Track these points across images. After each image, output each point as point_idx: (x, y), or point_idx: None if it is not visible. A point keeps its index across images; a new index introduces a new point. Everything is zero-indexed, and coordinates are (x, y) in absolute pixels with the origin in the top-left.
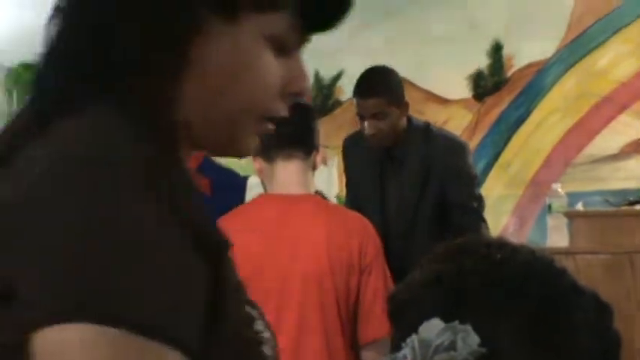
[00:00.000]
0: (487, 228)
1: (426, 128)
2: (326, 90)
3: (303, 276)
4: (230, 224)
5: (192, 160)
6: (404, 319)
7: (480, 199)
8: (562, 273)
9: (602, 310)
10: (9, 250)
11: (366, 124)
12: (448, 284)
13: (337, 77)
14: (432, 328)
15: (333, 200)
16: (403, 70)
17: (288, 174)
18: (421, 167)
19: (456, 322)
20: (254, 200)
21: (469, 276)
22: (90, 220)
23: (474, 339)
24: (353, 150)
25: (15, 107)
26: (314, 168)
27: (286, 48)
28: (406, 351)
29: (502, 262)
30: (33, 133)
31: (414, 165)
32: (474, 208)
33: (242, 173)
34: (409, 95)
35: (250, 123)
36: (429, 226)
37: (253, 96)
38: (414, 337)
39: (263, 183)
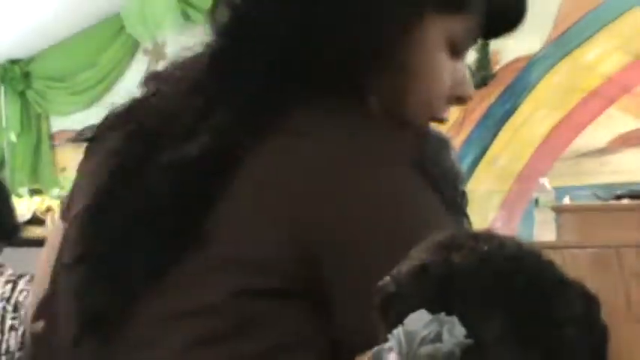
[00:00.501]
0: (469, 224)
1: None
2: None
3: None
4: None
5: None
6: (391, 312)
7: (462, 195)
8: (549, 266)
9: (589, 303)
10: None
11: None
12: (435, 276)
13: None
14: (418, 320)
15: None
16: None
17: None
18: None
19: (442, 314)
20: None
21: (456, 268)
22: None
23: (460, 330)
24: None
25: (1, 103)
26: None
27: (459, 51)
28: (392, 343)
29: (489, 255)
30: (255, 128)
31: None
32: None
33: None
34: None
35: (421, 125)
36: None
37: (429, 98)
38: (399, 328)
39: None
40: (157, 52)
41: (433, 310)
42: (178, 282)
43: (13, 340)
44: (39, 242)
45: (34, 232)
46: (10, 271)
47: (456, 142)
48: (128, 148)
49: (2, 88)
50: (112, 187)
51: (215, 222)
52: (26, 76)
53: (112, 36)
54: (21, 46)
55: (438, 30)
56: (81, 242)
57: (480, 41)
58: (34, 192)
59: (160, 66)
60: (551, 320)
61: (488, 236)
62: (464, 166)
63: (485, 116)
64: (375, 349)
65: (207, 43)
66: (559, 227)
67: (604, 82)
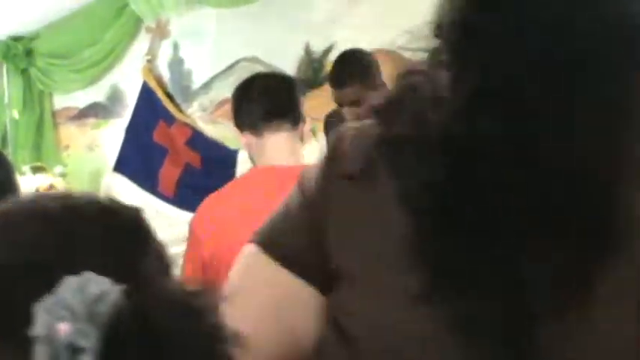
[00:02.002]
0: None
1: None
2: (316, 63)
3: None
4: (224, 197)
5: (181, 134)
6: None
7: None
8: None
9: None
10: None
11: (345, 109)
12: None
13: (328, 50)
14: (66, 288)
15: None
16: (394, 44)
17: (277, 146)
18: None
19: (85, 273)
20: (247, 174)
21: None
22: None
23: (107, 280)
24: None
25: (4, 80)
26: (301, 139)
27: None
28: (52, 317)
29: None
30: None
31: None
32: None
33: (232, 147)
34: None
35: None
36: None
37: None
38: (51, 302)
39: (251, 157)
40: (160, 31)
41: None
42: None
43: None
44: None
45: None
46: None
47: None
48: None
49: (5, 66)
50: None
51: None
52: (29, 53)
53: (115, 13)
54: (23, 24)
55: None
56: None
57: None
58: (36, 169)
59: (164, 44)
60: None
61: None
62: None
63: None
64: (37, 330)
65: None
66: None
67: None
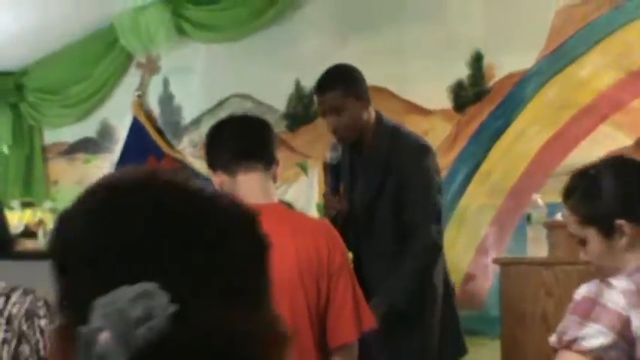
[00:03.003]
0: (439, 231)
1: (395, 128)
2: (307, 99)
3: (273, 283)
4: None
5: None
6: (75, 277)
7: (434, 202)
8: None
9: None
10: None
11: (327, 120)
12: (111, 236)
13: None
14: (123, 296)
15: (314, 210)
16: (384, 81)
17: (250, 185)
18: (383, 165)
19: (143, 284)
20: None
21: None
22: None
23: (163, 298)
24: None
25: None
26: (274, 180)
27: None
28: (101, 322)
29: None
30: None
31: (378, 163)
32: (425, 209)
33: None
34: (391, 106)
35: None
36: (387, 223)
37: None
38: (107, 305)
39: None
40: (151, 66)
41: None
42: None
43: (5, 353)
44: (31, 255)
45: (26, 244)
46: (2, 284)
47: (449, 157)
48: None
49: None
50: None
51: None
52: (19, 88)
53: (106, 49)
54: (14, 59)
55: None
56: None
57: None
58: (26, 205)
59: (154, 80)
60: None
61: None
62: (457, 182)
63: (479, 131)
64: (84, 329)
65: None
66: (551, 244)
67: (597, 98)
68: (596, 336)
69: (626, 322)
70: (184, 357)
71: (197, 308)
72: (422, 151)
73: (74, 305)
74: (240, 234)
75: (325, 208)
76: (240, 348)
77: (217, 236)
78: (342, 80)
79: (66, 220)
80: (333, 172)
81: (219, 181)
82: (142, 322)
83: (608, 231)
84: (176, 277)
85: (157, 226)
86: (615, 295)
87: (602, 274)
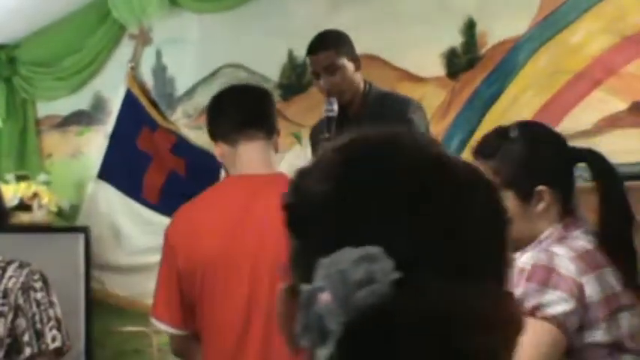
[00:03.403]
0: None
1: (386, 94)
2: (299, 69)
3: (272, 262)
4: (198, 206)
5: (165, 141)
6: (306, 237)
7: None
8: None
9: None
10: None
11: (321, 81)
12: (344, 196)
13: None
14: (347, 258)
15: None
16: (377, 49)
17: (251, 155)
18: (373, 125)
19: (367, 248)
20: (221, 183)
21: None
22: None
23: (388, 264)
24: (318, 137)
25: None
26: (276, 150)
27: None
28: (323, 282)
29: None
30: None
31: (367, 125)
32: None
33: None
34: (384, 74)
35: None
36: None
37: None
38: (329, 266)
39: (225, 167)
40: (143, 38)
41: (349, 238)
42: None
43: (1, 326)
44: (26, 228)
45: (21, 218)
46: None
47: (443, 124)
48: None
49: None
50: None
51: None
52: (12, 61)
53: (98, 21)
54: (6, 32)
55: None
56: None
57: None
58: (20, 178)
59: (146, 51)
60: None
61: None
62: (451, 149)
63: (472, 98)
64: (306, 288)
65: None
66: None
67: (590, 63)
68: (558, 302)
69: (580, 288)
70: (403, 326)
71: (423, 277)
72: (408, 104)
73: (303, 265)
74: (481, 203)
75: (314, 148)
76: (464, 328)
77: (455, 203)
78: (334, 41)
79: (304, 177)
80: (330, 124)
81: (220, 151)
82: (363, 285)
83: (526, 196)
84: (405, 242)
85: (392, 191)
86: (565, 261)
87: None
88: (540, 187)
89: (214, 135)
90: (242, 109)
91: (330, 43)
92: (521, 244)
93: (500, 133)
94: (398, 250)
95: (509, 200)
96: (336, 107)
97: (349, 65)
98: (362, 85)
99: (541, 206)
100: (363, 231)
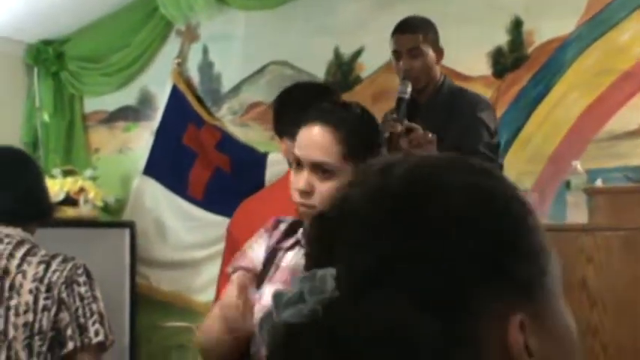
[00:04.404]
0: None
1: (459, 87)
2: (346, 66)
3: None
4: (260, 200)
5: (210, 137)
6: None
7: (493, 149)
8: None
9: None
10: None
11: (401, 62)
12: (326, 220)
13: (357, 54)
14: (296, 279)
15: None
16: None
17: None
18: (442, 117)
19: (319, 270)
20: (283, 176)
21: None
22: None
23: (330, 284)
24: (387, 117)
25: (35, 83)
26: None
27: None
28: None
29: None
30: None
31: (437, 114)
32: (484, 154)
33: (261, 150)
34: None
35: None
36: None
37: None
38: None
39: (289, 163)
40: (190, 34)
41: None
42: None
43: (45, 320)
44: (72, 222)
45: (67, 212)
46: (43, 252)
47: None
48: None
49: (36, 70)
50: None
51: None
52: (59, 57)
53: (145, 17)
54: (54, 27)
55: None
56: None
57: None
58: (67, 173)
59: (193, 48)
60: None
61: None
62: None
63: (518, 97)
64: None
65: None
66: (591, 209)
67: (637, 63)
68: None
69: None
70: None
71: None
72: (478, 102)
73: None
74: (470, 225)
75: (385, 129)
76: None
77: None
78: (423, 26)
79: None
80: (400, 105)
81: (284, 147)
82: (290, 305)
83: None
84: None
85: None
86: None
87: None
88: None
89: (279, 131)
90: (307, 106)
91: (419, 27)
92: None
93: (345, 105)
94: (349, 272)
95: (344, 176)
96: (409, 90)
97: (432, 54)
98: (438, 76)
99: None
100: (335, 253)
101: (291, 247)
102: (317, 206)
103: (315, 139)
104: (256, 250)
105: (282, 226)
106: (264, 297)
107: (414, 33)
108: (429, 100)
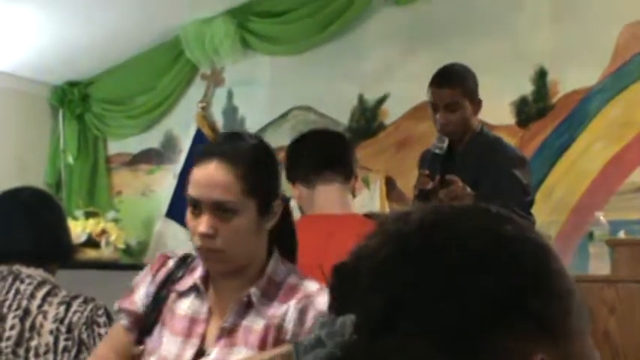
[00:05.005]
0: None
1: (495, 138)
2: (369, 113)
3: None
4: None
5: None
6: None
7: (526, 207)
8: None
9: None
10: None
11: (438, 115)
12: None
13: (382, 100)
14: (315, 325)
15: None
16: None
17: (328, 197)
18: (477, 169)
19: (338, 317)
20: (300, 220)
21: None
22: None
23: (349, 329)
24: (425, 160)
25: (60, 125)
26: (353, 194)
27: None
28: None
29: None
30: None
31: (472, 165)
32: (516, 212)
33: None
34: None
35: None
36: None
37: None
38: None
39: (301, 208)
40: (216, 78)
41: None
42: None
43: None
44: (93, 264)
45: (89, 254)
46: (64, 293)
47: None
48: None
49: (61, 111)
50: None
51: None
52: (84, 98)
53: (171, 60)
54: (80, 69)
55: None
56: None
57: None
58: (89, 214)
59: (218, 92)
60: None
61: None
62: None
63: (542, 148)
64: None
65: None
66: (614, 261)
67: None
68: None
69: None
70: None
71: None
72: (514, 157)
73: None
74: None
75: (416, 185)
76: None
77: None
78: (461, 79)
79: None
80: (435, 162)
81: (297, 193)
82: (308, 351)
83: (267, 208)
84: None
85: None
86: None
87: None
88: (278, 201)
89: (292, 177)
90: (321, 153)
91: (457, 81)
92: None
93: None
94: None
95: (250, 213)
96: (445, 146)
97: (469, 107)
98: (475, 126)
99: (272, 222)
100: (353, 299)
101: (187, 293)
102: (223, 249)
103: (213, 177)
104: (140, 291)
105: (171, 262)
106: (164, 346)
107: (452, 88)
108: (465, 149)
